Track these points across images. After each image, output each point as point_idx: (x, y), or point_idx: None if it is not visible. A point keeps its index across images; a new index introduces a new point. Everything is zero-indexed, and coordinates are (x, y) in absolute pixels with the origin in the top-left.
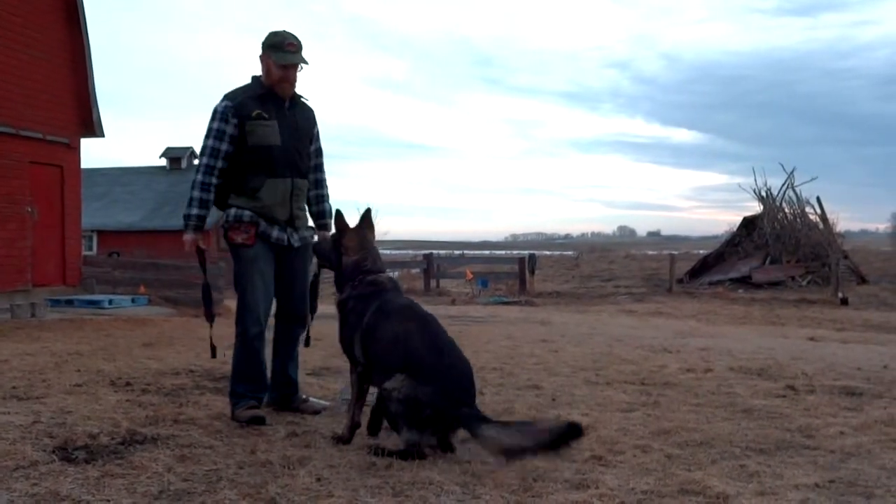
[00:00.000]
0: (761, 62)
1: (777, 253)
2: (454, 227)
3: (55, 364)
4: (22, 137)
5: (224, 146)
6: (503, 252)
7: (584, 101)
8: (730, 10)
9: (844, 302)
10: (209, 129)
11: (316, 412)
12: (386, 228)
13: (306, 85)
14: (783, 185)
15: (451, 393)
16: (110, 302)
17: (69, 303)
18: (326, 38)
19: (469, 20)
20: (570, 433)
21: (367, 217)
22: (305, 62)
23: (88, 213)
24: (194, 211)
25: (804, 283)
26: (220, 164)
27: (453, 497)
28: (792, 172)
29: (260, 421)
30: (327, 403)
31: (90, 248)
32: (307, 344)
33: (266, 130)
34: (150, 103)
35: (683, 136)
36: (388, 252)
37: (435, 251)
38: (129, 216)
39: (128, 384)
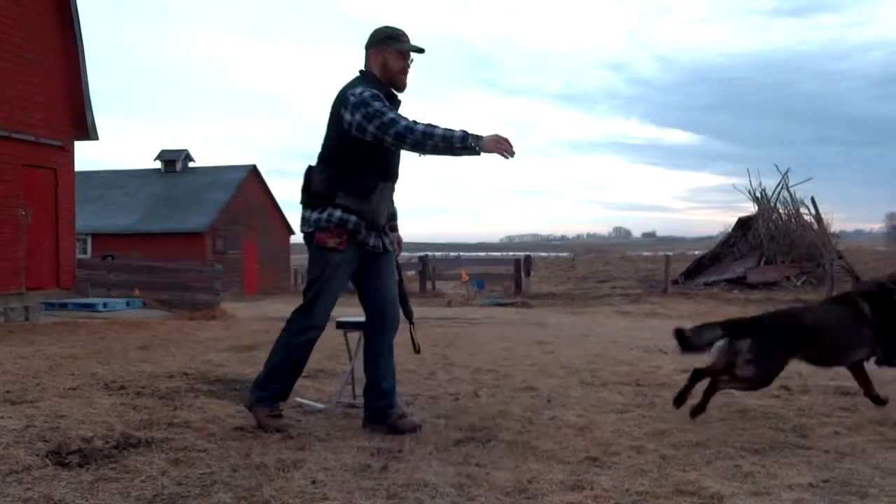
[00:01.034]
0: (756, 63)
1: (772, 253)
2: (450, 229)
3: (49, 367)
4: (15, 140)
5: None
6: (499, 254)
7: (580, 103)
8: (725, 12)
9: None
10: (381, 107)
11: (414, 429)
12: None
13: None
14: (778, 185)
15: None
16: (105, 305)
17: (63, 306)
18: (325, 40)
19: (466, 22)
20: None
21: None
22: (423, 50)
23: (83, 216)
24: (446, 130)
25: (799, 283)
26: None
27: (448, 499)
28: (786, 173)
29: (284, 433)
30: (322, 406)
31: (85, 251)
32: (417, 350)
33: None
34: (144, 106)
35: (678, 137)
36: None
37: (431, 253)
38: (124, 219)
39: (122, 387)
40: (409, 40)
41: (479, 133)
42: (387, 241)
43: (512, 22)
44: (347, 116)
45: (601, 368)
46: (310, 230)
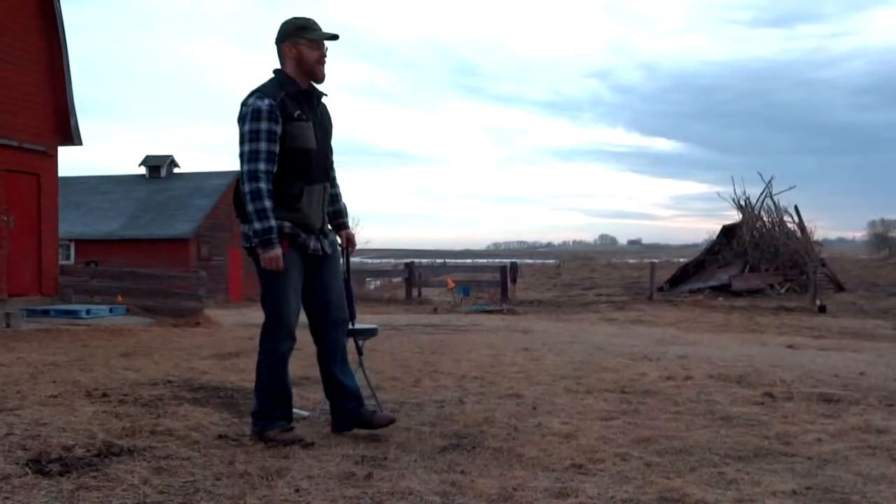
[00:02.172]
0: (737, 72)
1: (756, 261)
2: (436, 236)
3: (30, 375)
4: None
5: (276, 148)
6: (485, 260)
7: (565, 111)
8: (706, 21)
9: (822, 309)
10: (259, 131)
11: (390, 422)
12: (368, 237)
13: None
14: (762, 193)
15: None
16: (88, 312)
17: (45, 313)
18: None
19: (451, 29)
20: None
21: None
22: (336, 37)
23: (66, 222)
24: (272, 223)
25: (783, 290)
26: (274, 168)
27: None
28: (770, 181)
29: (303, 442)
30: (307, 413)
31: (68, 258)
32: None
33: (306, 133)
34: (129, 111)
35: (662, 145)
36: (369, 261)
37: (417, 260)
38: (108, 225)
39: (104, 395)
40: (320, 28)
41: (272, 244)
42: (326, 243)
43: (496, 30)
44: (238, 129)
45: (586, 375)
46: (246, 244)
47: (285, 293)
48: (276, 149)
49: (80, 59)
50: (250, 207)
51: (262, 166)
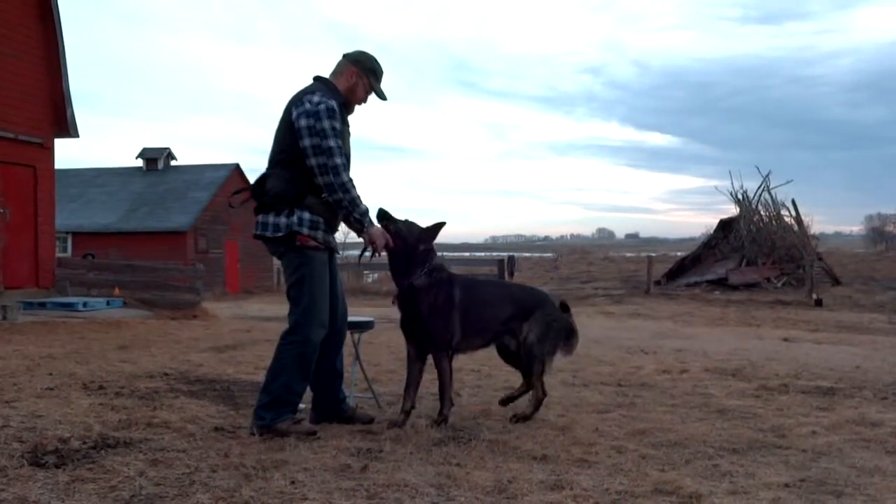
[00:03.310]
0: (729, 68)
1: (753, 255)
2: None
3: (27, 367)
4: None
5: (340, 142)
6: (483, 254)
7: (560, 105)
8: (696, 19)
9: (818, 303)
10: (329, 129)
11: (370, 421)
12: None
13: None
14: (759, 187)
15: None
16: (84, 304)
17: (42, 305)
18: (303, 41)
19: (446, 25)
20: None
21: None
22: (385, 99)
23: (63, 215)
24: (364, 205)
25: (779, 284)
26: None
27: (428, 499)
28: (768, 175)
29: (314, 435)
30: (303, 406)
31: (64, 250)
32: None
33: (347, 139)
34: (126, 104)
35: (657, 139)
36: (367, 254)
37: None
38: (105, 217)
39: (101, 387)
40: (382, 79)
41: (370, 227)
42: (336, 242)
43: (491, 26)
44: (301, 122)
45: (583, 368)
46: (279, 234)
47: (322, 284)
48: (340, 143)
49: (78, 53)
50: (354, 194)
51: (340, 161)
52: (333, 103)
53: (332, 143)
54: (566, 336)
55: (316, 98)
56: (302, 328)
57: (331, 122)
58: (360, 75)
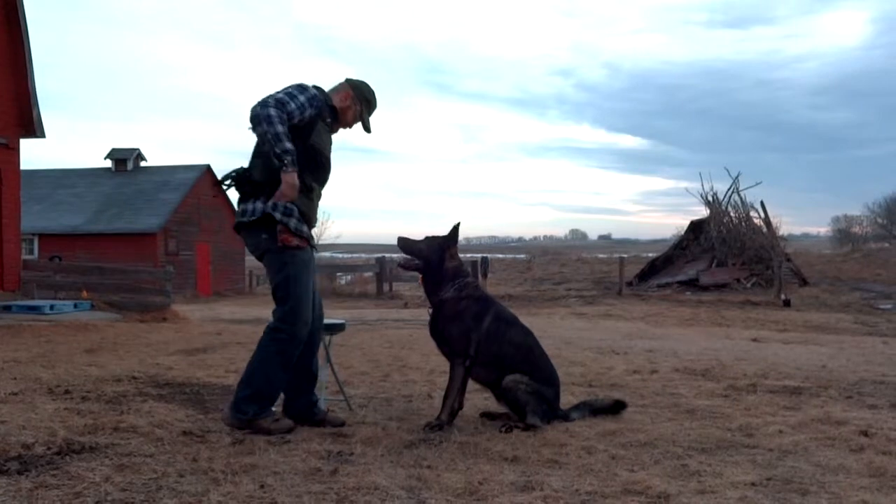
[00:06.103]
0: (697, 71)
1: (723, 256)
2: (406, 230)
3: None
4: None
5: (297, 116)
6: None
7: (532, 107)
8: (664, 23)
9: (787, 303)
10: (296, 95)
11: (341, 425)
12: (338, 232)
13: (256, 90)
14: (729, 189)
15: (558, 396)
16: (51, 307)
17: (7, 308)
18: (275, 43)
19: (418, 27)
20: (618, 405)
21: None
22: (370, 132)
23: (29, 216)
24: (290, 145)
25: (749, 285)
26: (285, 127)
27: (399, 502)
28: (737, 177)
29: (294, 432)
30: (274, 409)
31: (31, 252)
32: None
33: (326, 140)
34: (95, 106)
35: (628, 141)
36: (340, 255)
37: (388, 254)
38: (73, 219)
39: (67, 392)
40: (373, 110)
41: (292, 171)
42: (310, 233)
43: (463, 28)
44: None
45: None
46: (254, 218)
47: (307, 283)
48: (300, 114)
49: (49, 55)
50: (278, 129)
51: (273, 101)
52: (318, 93)
53: (287, 93)
54: (546, 406)
55: (308, 84)
56: (288, 325)
57: (301, 93)
58: (354, 100)
